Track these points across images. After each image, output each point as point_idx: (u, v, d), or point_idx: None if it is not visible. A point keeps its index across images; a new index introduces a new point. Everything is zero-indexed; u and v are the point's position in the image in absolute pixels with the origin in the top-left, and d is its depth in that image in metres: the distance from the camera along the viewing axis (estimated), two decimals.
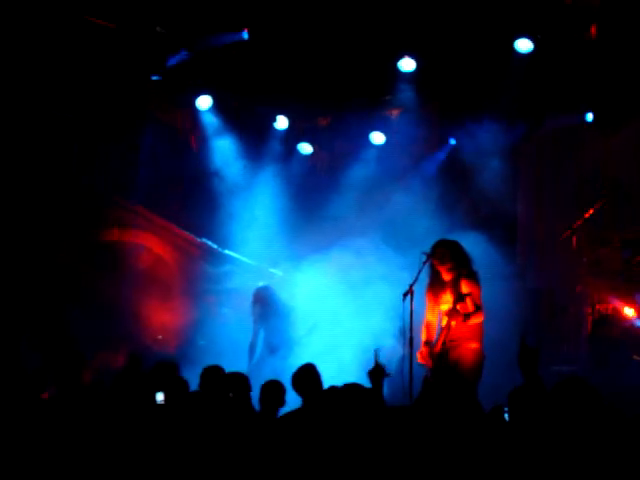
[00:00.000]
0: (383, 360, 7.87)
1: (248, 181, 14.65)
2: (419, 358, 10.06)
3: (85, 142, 13.83)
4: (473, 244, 12.17)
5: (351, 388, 6.11)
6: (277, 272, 13.68)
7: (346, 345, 12.49)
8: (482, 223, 13.93)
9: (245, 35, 12.96)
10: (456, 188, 14.54)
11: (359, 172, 14.79)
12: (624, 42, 12.69)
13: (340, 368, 11.38)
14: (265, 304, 12.80)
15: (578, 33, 12.90)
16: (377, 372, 7.76)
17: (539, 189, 15.16)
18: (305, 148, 15.24)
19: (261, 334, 12.78)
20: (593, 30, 12.75)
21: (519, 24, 12.77)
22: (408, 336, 9.95)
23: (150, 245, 14.43)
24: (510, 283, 13.54)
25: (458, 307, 9.84)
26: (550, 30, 12.80)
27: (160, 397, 7.08)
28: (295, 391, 8.61)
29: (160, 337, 13.76)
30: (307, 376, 8.67)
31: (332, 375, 9.04)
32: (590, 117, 13.87)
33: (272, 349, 12.54)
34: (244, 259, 14.27)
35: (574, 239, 13.07)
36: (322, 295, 13.27)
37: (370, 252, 13.34)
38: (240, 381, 8.25)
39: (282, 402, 8.33)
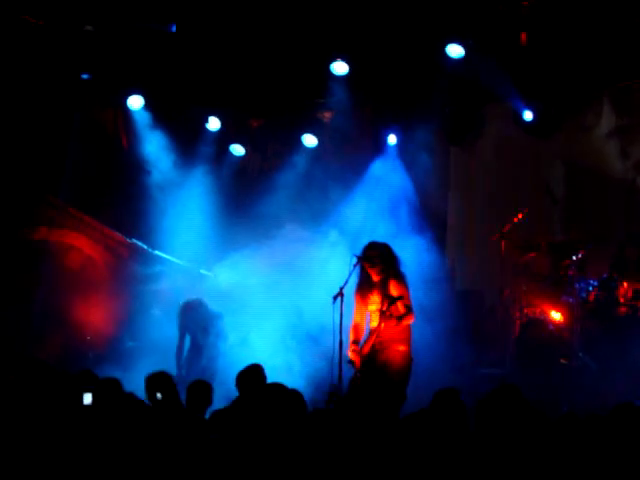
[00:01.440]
0: None
1: (179, 182, 14.56)
2: (350, 356, 10.06)
3: (14, 140, 13.64)
4: (404, 246, 12.30)
5: (277, 388, 6.12)
6: (207, 273, 13.62)
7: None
8: (414, 225, 14.01)
9: (173, 28, 12.87)
10: (388, 190, 14.60)
11: (291, 174, 14.79)
12: (553, 48, 12.85)
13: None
14: (193, 318, 12.80)
15: (510, 38, 13.04)
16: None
17: (470, 191, 15.29)
18: (237, 149, 15.19)
19: (187, 338, 12.79)
20: (523, 36, 12.90)
21: (451, 29, 12.86)
22: (338, 339, 9.96)
23: (79, 245, 14.28)
24: (440, 285, 13.64)
25: (389, 309, 9.86)
26: (482, 35, 12.91)
27: (88, 399, 7.00)
28: (237, 390, 8.62)
29: (89, 338, 13.63)
30: (252, 376, 8.68)
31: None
32: (528, 117, 13.98)
33: (199, 350, 12.53)
34: (174, 260, 14.19)
35: (503, 242, 13.18)
36: (250, 293, 13.35)
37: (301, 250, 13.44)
38: (165, 380, 8.19)
39: (209, 401, 8.33)
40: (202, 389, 8.36)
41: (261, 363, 8.98)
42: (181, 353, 12.72)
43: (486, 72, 12.92)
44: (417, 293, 10.69)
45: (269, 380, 8.67)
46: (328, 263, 12.49)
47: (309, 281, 12.95)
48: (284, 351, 12.55)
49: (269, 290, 13.54)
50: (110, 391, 7.36)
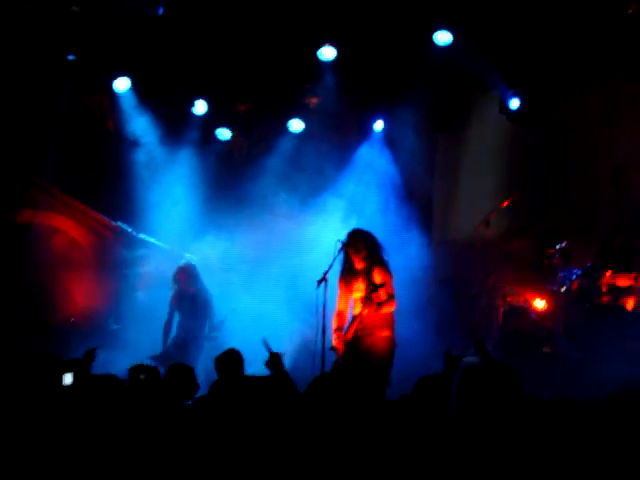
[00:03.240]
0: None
1: (165, 165, 14.53)
2: (334, 343, 10.10)
3: None
4: (389, 232, 12.33)
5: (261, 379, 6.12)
6: (192, 256, 13.61)
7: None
8: (399, 210, 14.04)
9: (160, 10, 12.80)
10: (374, 175, 14.61)
11: (277, 158, 14.78)
12: (539, 38, 12.87)
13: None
14: (184, 284, 12.74)
15: (499, 25, 13.05)
16: (274, 360, 7.81)
17: (456, 178, 15.31)
18: (223, 133, 15.16)
19: (176, 316, 12.73)
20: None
21: (439, 16, 12.84)
22: (321, 324, 10.00)
23: (64, 228, 14.22)
24: (424, 272, 13.68)
25: (371, 296, 9.90)
26: (470, 23, 12.91)
27: (68, 379, 6.98)
28: (217, 373, 8.63)
29: (72, 319, 13.60)
30: (230, 360, 8.70)
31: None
32: (514, 105, 13.98)
33: (186, 332, 12.50)
34: (159, 243, 14.18)
35: (488, 230, 13.20)
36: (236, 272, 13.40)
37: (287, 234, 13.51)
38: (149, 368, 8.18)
39: (194, 386, 8.32)
40: (182, 373, 8.34)
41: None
42: (168, 332, 12.63)
43: (473, 60, 12.93)
44: (401, 281, 10.71)
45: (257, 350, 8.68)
46: (314, 248, 12.51)
47: (296, 263, 13.00)
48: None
49: (255, 272, 13.60)
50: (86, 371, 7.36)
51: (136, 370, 7.95)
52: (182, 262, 12.94)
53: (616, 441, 4.82)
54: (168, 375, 8.21)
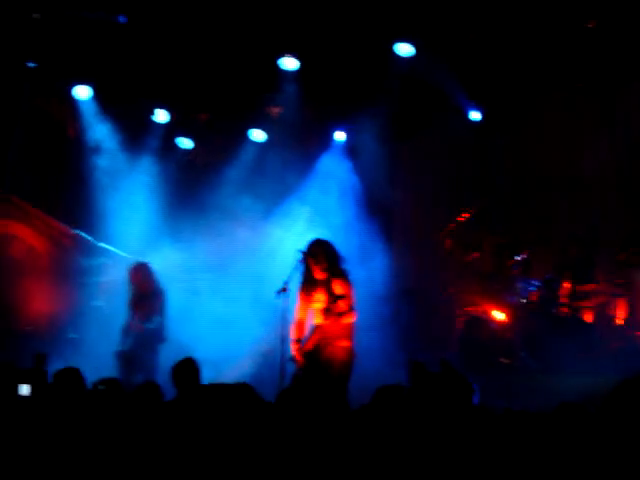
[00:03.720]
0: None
1: (125, 174, 14.47)
2: (293, 355, 10.09)
3: None
4: (350, 243, 12.34)
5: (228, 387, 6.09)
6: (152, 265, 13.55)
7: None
8: (360, 221, 14.06)
9: (123, 19, 12.75)
10: (336, 186, 14.63)
11: (238, 168, 14.76)
12: (502, 49, 12.95)
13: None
14: (140, 283, 12.62)
15: (460, 38, 13.11)
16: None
17: (417, 190, 15.36)
18: (184, 142, 15.12)
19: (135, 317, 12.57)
20: (472, 37, 12.99)
21: (402, 28, 12.89)
22: (280, 333, 9.99)
23: (22, 235, 14.13)
24: (385, 283, 13.71)
25: (331, 307, 9.90)
26: (432, 35, 12.96)
27: (25, 390, 6.92)
28: (173, 384, 8.57)
29: (29, 328, 13.48)
30: (186, 370, 8.64)
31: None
32: (476, 117, 14.05)
33: (147, 333, 12.34)
34: (119, 251, 14.11)
35: (448, 241, 13.26)
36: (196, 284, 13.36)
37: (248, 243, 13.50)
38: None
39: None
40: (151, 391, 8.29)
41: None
42: (127, 335, 12.46)
43: (435, 71, 12.98)
44: (362, 291, 10.72)
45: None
46: (276, 256, 12.51)
47: (258, 270, 13.00)
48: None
49: (217, 279, 13.59)
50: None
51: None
52: (134, 262, 12.79)
53: (564, 450, 4.85)
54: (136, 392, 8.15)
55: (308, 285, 10.24)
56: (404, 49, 12.95)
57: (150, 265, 12.65)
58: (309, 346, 10.06)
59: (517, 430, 5.33)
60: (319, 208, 14.21)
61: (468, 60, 13.25)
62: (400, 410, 6.15)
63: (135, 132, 14.62)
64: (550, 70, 13.29)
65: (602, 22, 12.06)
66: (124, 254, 14.05)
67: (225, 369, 11.87)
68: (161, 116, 14.64)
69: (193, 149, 15.23)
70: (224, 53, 13.46)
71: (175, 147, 15.06)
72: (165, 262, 13.75)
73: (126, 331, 12.38)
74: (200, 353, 10.42)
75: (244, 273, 13.56)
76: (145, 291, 12.49)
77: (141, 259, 12.92)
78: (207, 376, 8.77)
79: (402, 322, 13.43)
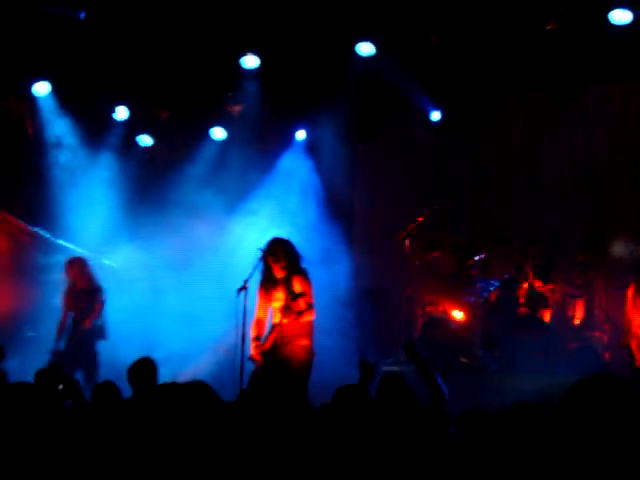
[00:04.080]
0: None
1: (85, 171, 14.38)
2: (252, 353, 10.09)
3: None
4: (311, 242, 12.34)
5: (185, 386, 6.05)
6: (111, 263, 13.48)
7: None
8: (321, 221, 14.07)
9: (82, 15, 12.66)
10: (297, 185, 14.61)
11: (199, 166, 14.72)
12: (463, 50, 12.99)
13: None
14: (76, 279, 12.39)
15: (421, 39, 13.14)
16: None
17: (377, 189, 15.38)
18: (144, 140, 15.04)
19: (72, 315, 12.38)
20: (433, 38, 13.02)
21: (362, 27, 12.90)
22: (240, 332, 9.99)
23: None
24: (345, 282, 13.72)
25: (290, 305, 9.92)
26: (393, 35, 12.98)
27: None
28: (129, 384, 8.52)
29: None
30: (143, 370, 8.59)
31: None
32: (436, 117, 14.09)
33: (83, 333, 12.18)
34: (78, 249, 13.99)
35: (408, 241, 13.30)
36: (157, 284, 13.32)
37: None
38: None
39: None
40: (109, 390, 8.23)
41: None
42: (62, 333, 12.26)
43: (396, 71, 13.00)
44: (322, 290, 10.74)
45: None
46: (237, 254, 12.49)
47: (219, 268, 12.97)
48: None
49: (178, 276, 13.54)
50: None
51: (43, 374, 7.82)
52: (70, 257, 12.61)
53: (521, 450, 4.87)
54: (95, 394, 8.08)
55: (268, 283, 10.25)
56: (365, 49, 12.94)
57: (87, 260, 12.49)
58: (268, 345, 10.07)
59: (475, 429, 5.35)
60: (280, 206, 14.20)
61: (429, 60, 13.29)
62: (360, 409, 6.16)
63: (95, 129, 14.52)
64: (510, 71, 13.37)
65: (561, 24, 12.14)
66: (83, 251, 13.95)
67: (184, 367, 11.84)
68: (121, 113, 14.54)
69: (154, 146, 15.14)
70: (185, 50, 13.41)
71: (135, 144, 14.96)
72: (125, 259, 13.70)
73: (60, 329, 12.20)
74: (161, 351, 10.44)
75: (205, 271, 13.52)
76: (82, 287, 12.29)
77: (98, 256, 12.86)
78: (167, 374, 8.72)
79: (363, 323, 13.44)
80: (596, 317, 12.96)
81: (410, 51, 13.03)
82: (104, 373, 10.88)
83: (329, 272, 12.89)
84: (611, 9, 11.51)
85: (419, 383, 7.88)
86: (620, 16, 11.52)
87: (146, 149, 15.09)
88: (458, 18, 12.66)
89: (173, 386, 5.85)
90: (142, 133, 14.95)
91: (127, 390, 8.25)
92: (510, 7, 12.21)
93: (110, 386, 8.20)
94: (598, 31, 11.79)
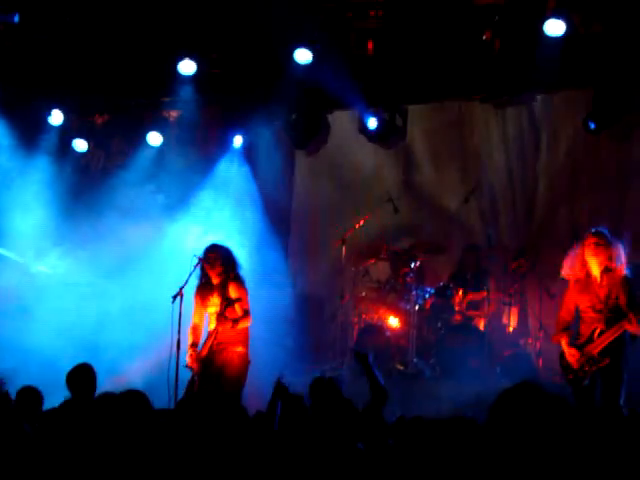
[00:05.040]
0: None
1: (19, 175, 14.21)
2: (188, 362, 10.07)
3: None
4: (248, 249, 12.33)
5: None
6: (44, 269, 13.34)
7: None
8: (258, 227, 14.04)
9: (16, 18, 12.53)
10: (234, 191, 14.57)
11: (135, 171, 14.61)
12: (400, 58, 13.06)
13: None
14: None
15: (357, 46, 13.18)
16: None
17: (314, 196, 15.38)
18: (80, 145, 14.90)
19: None
20: (370, 45, 13.06)
21: (300, 35, 12.92)
22: (176, 338, 9.95)
23: None
24: (282, 289, 13.71)
25: (226, 312, 9.91)
26: (330, 42, 13.01)
27: None
28: (68, 390, 8.46)
29: None
30: (82, 376, 8.53)
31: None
32: (372, 125, 14.11)
33: None
34: (10, 254, 13.84)
35: (344, 248, 13.33)
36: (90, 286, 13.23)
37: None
38: None
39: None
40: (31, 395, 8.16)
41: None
42: None
43: (333, 78, 13.01)
44: (258, 297, 10.73)
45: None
46: (169, 265, 12.42)
47: (154, 275, 12.89)
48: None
49: (114, 282, 13.43)
50: None
51: None
52: None
53: (458, 458, 4.90)
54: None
55: (204, 290, 10.25)
56: (302, 56, 12.95)
57: None
58: (204, 352, 10.05)
59: (411, 436, 5.38)
60: (217, 212, 14.15)
61: (366, 68, 13.33)
62: (296, 417, 6.17)
63: (31, 132, 14.37)
64: (445, 79, 13.46)
65: (496, 34, 12.26)
66: (15, 257, 13.80)
67: (121, 373, 11.75)
68: (56, 117, 14.40)
69: (89, 151, 15.01)
70: (121, 55, 13.34)
71: (71, 149, 14.82)
72: (60, 265, 13.57)
73: None
74: (99, 357, 10.35)
75: (142, 276, 13.42)
76: None
77: (31, 262, 12.73)
78: (104, 379, 8.67)
79: (299, 330, 13.44)
80: (529, 324, 13.11)
81: (347, 59, 13.05)
82: (43, 379, 10.73)
83: (265, 279, 12.89)
84: (545, 20, 11.64)
85: (356, 387, 7.94)
86: (554, 27, 11.65)
87: (82, 154, 14.95)
88: (394, 26, 12.73)
89: (108, 396, 5.81)
90: (77, 138, 14.82)
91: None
92: (447, 16, 12.31)
93: (33, 392, 8.15)
94: (533, 41, 11.91)
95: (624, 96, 12.41)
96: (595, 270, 9.13)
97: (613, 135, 13.19)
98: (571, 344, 9.17)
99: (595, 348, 8.97)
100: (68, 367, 8.70)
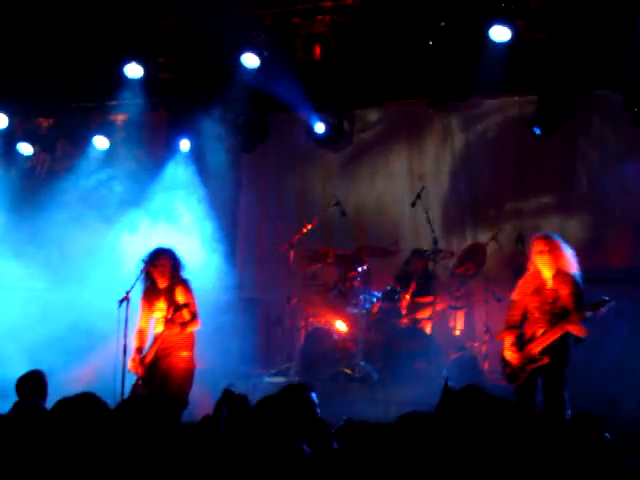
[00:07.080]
0: None
1: None
2: (130, 366, 10.03)
3: None
4: (195, 253, 12.30)
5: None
6: None
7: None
8: (205, 231, 14.01)
9: None
10: (180, 195, 14.52)
11: (81, 175, 14.53)
12: (346, 62, 13.11)
13: None
14: None
15: (304, 51, 13.21)
16: None
17: (261, 200, 15.39)
18: (25, 149, 14.77)
19: None
20: (317, 50, 13.10)
21: (246, 39, 12.93)
22: (122, 343, 9.91)
23: None
24: (228, 293, 13.68)
25: (174, 316, 9.87)
26: (277, 47, 13.04)
27: None
28: (18, 396, 8.37)
29: None
30: (31, 382, 8.46)
31: None
32: (319, 129, 14.14)
33: None
34: None
35: (292, 253, 13.34)
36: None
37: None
38: None
39: None
40: None
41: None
42: None
43: (280, 83, 13.04)
44: (205, 301, 10.69)
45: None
46: (116, 269, 12.36)
47: (99, 280, 12.83)
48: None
49: (60, 288, 13.34)
50: None
51: None
52: None
53: (405, 461, 4.93)
54: None
55: (150, 294, 10.19)
56: (249, 60, 12.97)
57: None
58: (149, 357, 10.00)
59: (356, 440, 5.40)
60: (163, 216, 14.08)
61: (313, 73, 13.38)
62: (243, 421, 6.16)
63: None
64: (392, 84, 13.55)
65: (440, 39, 12.37)
66: None
67: (68, 378, 11.66)
68: (1, 121, 14.27)
69: (35, 155, 14.90)
70: (67, 59, 13.25)
71: (16, 152, 14.71)
72: (5, 271, 13.45)
73: None
74: (45, 363, 10.25)
75: (88, 281, 13.33)
76: None
77: None
78: (53, 386, 8.60)
79: (245, 334, 13.42)
80: (476, 328, 13.21)
81: (294, 63, 13.08)
82: None
83: (212, 282, 12.85)
84: (491, 25, 11.75)
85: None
86: (500, 33, 11.77)
87: (27, 157, 14.84)
88: (341, 31, 12.79)
89: (63, 401, 5.77)
90: (22, 141, 14.71)
91: None
92: (394, 22, 12.38)
93: None
94: (479, 47, 12.01)
95: (568, 101, 12.57)
96: (546, 273, 9.20)
97: (558, 139, 13.36)
98: (514, 343, 9.23)
99: (536, 347, 9.04)
100: (11, 373, 8.63)
